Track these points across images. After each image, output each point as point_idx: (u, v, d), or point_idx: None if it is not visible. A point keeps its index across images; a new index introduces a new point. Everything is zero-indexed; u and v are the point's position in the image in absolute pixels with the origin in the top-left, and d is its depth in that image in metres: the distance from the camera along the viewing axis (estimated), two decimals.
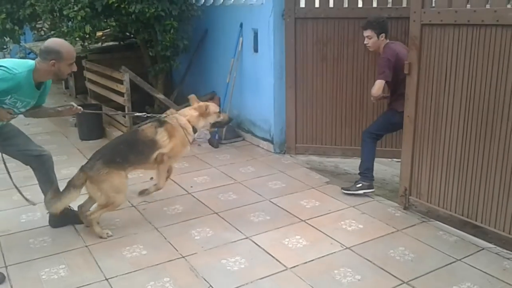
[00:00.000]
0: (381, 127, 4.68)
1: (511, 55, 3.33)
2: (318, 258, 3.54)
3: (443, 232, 3.89)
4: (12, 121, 3.82)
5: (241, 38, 6.34)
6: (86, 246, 3.73)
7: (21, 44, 8.33)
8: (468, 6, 3.63)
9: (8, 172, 3.67)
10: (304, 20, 5.58)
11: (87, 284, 3.23)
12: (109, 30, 6.94)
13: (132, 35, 7.71)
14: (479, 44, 3.53)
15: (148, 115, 4.36)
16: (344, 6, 5.47)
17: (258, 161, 5.77)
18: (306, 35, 5.62)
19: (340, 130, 5.75)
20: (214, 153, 6.07)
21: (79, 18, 5.82)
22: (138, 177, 5.13)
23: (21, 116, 3.73)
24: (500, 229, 3.58)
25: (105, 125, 7.00)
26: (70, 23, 6.30)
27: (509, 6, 3.46)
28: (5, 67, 3.28)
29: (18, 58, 4.39)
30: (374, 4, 5.41)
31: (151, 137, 3.92)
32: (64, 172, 4.87)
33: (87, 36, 6.17)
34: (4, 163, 3.64)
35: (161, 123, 3.99)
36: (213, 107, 4.22)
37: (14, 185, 3.72)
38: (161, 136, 3.92)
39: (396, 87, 4.49)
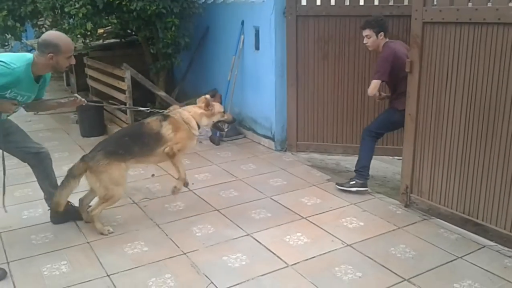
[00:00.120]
0: (381, 126, 4.68)
1: None
2: (319, 255, 3.54)
3: (444, 230, 3.89)
4: (14, 118, 3.83)
5: (242, 36, 6.34)
6: (88, 243, 3.74)
7: (22, 41, 8.34)
8: (470, 4, 3.62)
9: (4, 170, 3.62)
10: (306, 18, 5.58)
11: (89, 280, 3.24)
12: (110, 27, 6.94)
13: (133, 33, 7.71)
14: (481, 42, 3.53)
15: (151, 110, 4.36)
16: (345, 4, 5.46)
17: (259, 159, 5.77)
18: (307, 33, 5.62)
19: (342, 128, 5.75)
20: (216, 150, 6.08)
21: (80, 15, 5.82)
22: (139, 174, 5.15)
23: (23, 112, 3.72)
24: (501, 227, 3.58)
25: (107, 122, 7.02)
26: (71, 20, 6.31)
27: (510, 4, 3.45)
28: (3, 62, 3.26)
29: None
30: (376, 2, 5.41)
31: (156, 130, 3.94)
32: (66, 168, 4.79)
33: (89, 33, 6.17)
34: (3, 160, 3.60)
35: (165, 117, 4.01)
36: (218, 106, 4.25)
37: (3, 185, 3.64)
38: (166, 129, 3.93)
39: (396, 86, 4.50)
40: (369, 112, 5.51)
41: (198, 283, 3.22)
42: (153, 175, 5.15)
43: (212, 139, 6.38)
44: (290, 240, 3.76)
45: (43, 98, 3.84)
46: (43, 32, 9.13)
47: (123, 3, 5.90)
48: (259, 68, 6.16)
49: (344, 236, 3.81)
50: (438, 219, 4.06)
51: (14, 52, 3.71)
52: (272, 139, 6.09)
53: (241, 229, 3.96)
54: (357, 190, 4.59)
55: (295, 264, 3.42)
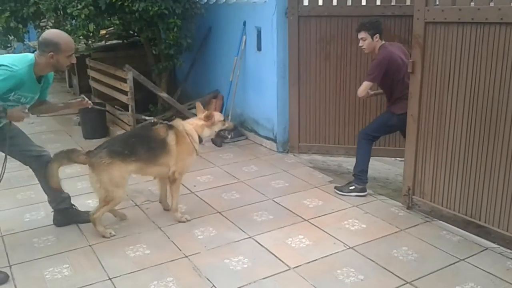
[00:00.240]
0: (378, 129, 4.67)
1: None
2: (321, 257, 3.53)
3: (446, 232, 3.88)
4: None
5: (244, 37, 6.33)
6: (90, 246, 3.74)
7: (25, 42, 8.36)
8: (472, 4, 3.61)
9: (2, 173, 3.57)
10: (308, 18, 5.57)
11: (91, 284, 3.24)
12: (112, 28, 6.93)
13: (135, 34, 7.72)
14: (483, 42, 3.51)
15: (155, 120, 4.33)
16: (347, 4, 5.44)
17: (261, 160, 5.76)
18: (309, 33, 5.60)
19: (344, 129, 5.73)
20: (217, 152, 6.08)
21: (82, 16, 5.82)
22: (141, 176, 5.13)
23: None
24: (504, 229, 3.57)
25: (109, 124, 7.01)
26: (74, 21, 6.31)
27: None
28: (5, 65, 3.23)
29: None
30: (378, 2, 5.39)
31: (163, 137, 3.94)
32: (68, 171, 4.88)
33: (91, 34, 6.17)
34: (4, 163, 3.55)
35: (171, 126, 4.03)
36: (218, 115, 4.26)
37: None
38: (171, 139, 3.94)
39: (392, 91, 4.48)
40: (371, 113, 5.48)
41: (200, 286, 3.21)
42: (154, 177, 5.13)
43: (214, 141, 6.37)
44: (292, 243, 3.75)
45: (47, 100, 3.83)
46: None
47: (126, 4, 5.91)
48: (261, 69, 6.15)
49: (346, 238, 3.80)
50: (440, 221, 4.05)
51: (16, 53, 3.69)
52: (274, 140, 6.08)
53: (243, 231, 3.95)
54: (356, 195, 4.58)
55: (297, 267, 3.41)
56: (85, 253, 3.63)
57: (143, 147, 3.88)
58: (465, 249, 3.61)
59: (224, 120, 4.31)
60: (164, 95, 6.83)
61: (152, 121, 4.33)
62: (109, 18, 6.22)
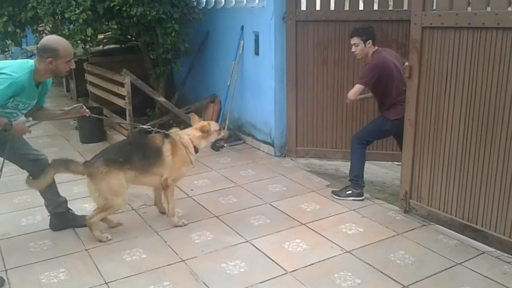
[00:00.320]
0: (371, 134, 4.68)
1: None
2: (318, 262, 3.53)
3: (443, 236, 3.88)
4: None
5: (242, 41, 6.34)
6: (86, 250, 3.73)
7: (22, 47, 8.36)
8: (469, 9, 3.62)
9: None
10: (305, 23, 5.58)
11: None
12: (110, 33, 6.95)
13: (133, 38, 7.72)
14: (480, 47, 3.52)
15: (153, 129, 4.32)
16: (345, 9, 5.46)
17: (259, 164, 5.76)
18: (307, 38, 5.62)
19: (341, 133, 5.73)
20: (215, 156, 6.07)
21: (80, 21, 5.82)
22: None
23: (23, 118, 3.72)
24: (501, 232, 3.57)
25: (106, 128, 7.00)
26: (71, 26, 6.32)
27: (510, 9, 3.46)
28: (6, 73, 3.24)
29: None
30: (375, 7, 5.40)
31: (158, 145, 3.94)
32: (65, 175, 4.85)
33: (89, 39, 6.18)
34: (2, 168, 3.55)
35: (167, 136, 4.03)
36: (213, 125, 4.27)
37: None
38: (166, 148, 3.94)
39: (385, 97, 4.48)
40: (368, 118, 5.48)
41: None
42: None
43: (211, 145, 6.36)
44: (289, 247, 3.75)
45: (45, 106, 3.83)
46: None
47: (123, 8, 5.91)
48: (258, 73, 6.16)
49: (343, 242, 3.80)
50: (437, 225, 4.05)
51: (14, 58, 3.70)
52: (272, 144, 6.08)
53: (240, 235, 3.94)
54: (353, 199, 4.58)
55: (294, 271, 3.40)
56: (82, 258, 3.62)
57: (137, 155, 3.88)
58: (462, 253, 3.61)
59: (219, 130, 4.32)
60: (161, 99, 6.83)
61: (150, 129, 4.32)
62: (107, 23, 6.23)
